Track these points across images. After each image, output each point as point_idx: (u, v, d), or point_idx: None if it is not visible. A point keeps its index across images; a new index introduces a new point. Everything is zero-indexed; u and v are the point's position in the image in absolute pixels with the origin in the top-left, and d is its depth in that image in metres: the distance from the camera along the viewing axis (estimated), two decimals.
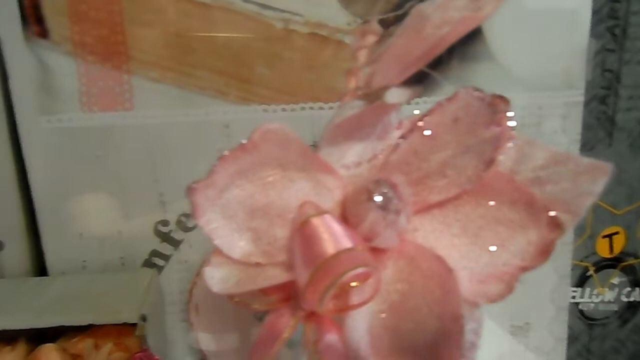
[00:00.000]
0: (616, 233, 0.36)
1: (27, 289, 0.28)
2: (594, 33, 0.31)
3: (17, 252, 0.31)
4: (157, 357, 0.25)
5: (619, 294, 0.37)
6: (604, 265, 0.37)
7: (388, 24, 0.28)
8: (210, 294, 0.18)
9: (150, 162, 0.30)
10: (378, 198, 0.18)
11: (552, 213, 0.17)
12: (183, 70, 0.29)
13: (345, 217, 0.19)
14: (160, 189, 0.30)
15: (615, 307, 0.37)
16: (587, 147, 0.33)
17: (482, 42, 0.30)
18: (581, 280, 0.37)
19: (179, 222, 0.31)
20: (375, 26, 0.22)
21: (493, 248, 0.17)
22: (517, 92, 0.31)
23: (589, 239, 0.36)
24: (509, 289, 0.17)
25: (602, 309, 0.37)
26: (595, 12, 0.31)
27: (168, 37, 0.29)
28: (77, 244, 0.31)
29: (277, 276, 0.18)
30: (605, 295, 0.37)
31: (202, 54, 0.29)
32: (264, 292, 0.18)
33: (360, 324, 0.17)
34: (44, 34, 0.28)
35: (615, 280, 0.37)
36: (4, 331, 0.25)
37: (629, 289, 0.37)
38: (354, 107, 0.19)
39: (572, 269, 0.34)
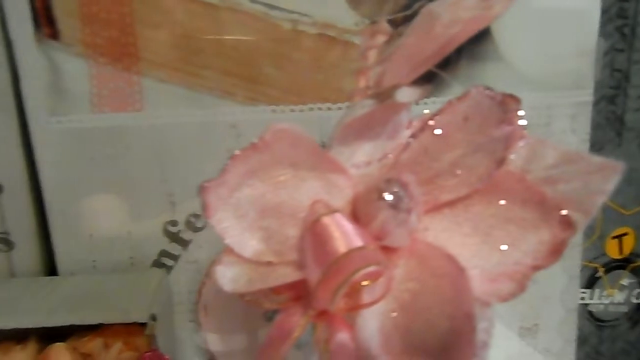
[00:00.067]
0: (625, 234, 0.36)
1: (38, 289, 0.29)
2: (603, 33, 0.31)
3: (28, 252, 0.31)
4: (166, 357, 0.25)
5: (629, 295, 0.37)
6: (613, 266, 0.36)
7: (397, 24, 0.28)
8: (219, 294, 0.18)
9: (159, 163, 0.30)
10: (389, 197, 0.18)
11: (563, 212, 0.17)
12: (192, 71, 0.29)
13: (356, 217, 0.19)
14: (169, 189, 0.31)
15: (625, 309, 0.37)
16: (596, 147, 0.33)
17: (490, 42, 0.30)
18: (590, 282, 0.36)
19: (187, 223, 0.31)
20: (385, 26, 0.22)
21: (504, 247, 0.17)
22: (525, 92, 0.30)
23: (598, 239, 0.36)
24: (521, 288, 0.17)
25: (612, 311, 0.37)
26: (604, 11, 0.31)
27: (177, 38, 0.29)
28: (87, 244, 0.31)
29: (288, 275, 0.18)
30: (615, 296, 0.37)
31: (211, 55, 0.29)
32: (275, 290, 0.18)
33: (371, 323, 0.17)
34: (55, 35, 0.28)
35: (625, 282, 0.37)
36: (15, 330, 0.25)
37: (638, 290, 0.37)
38: (364, 106, 0.19)
39: (582, 270, 0.34)
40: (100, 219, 0.31)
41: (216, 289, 0.19)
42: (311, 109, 0.30)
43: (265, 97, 0.30)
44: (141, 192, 0.30)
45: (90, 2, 0.28)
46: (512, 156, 0.17)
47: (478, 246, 0.18)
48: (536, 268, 0.17)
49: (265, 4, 0.29)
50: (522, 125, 0.17)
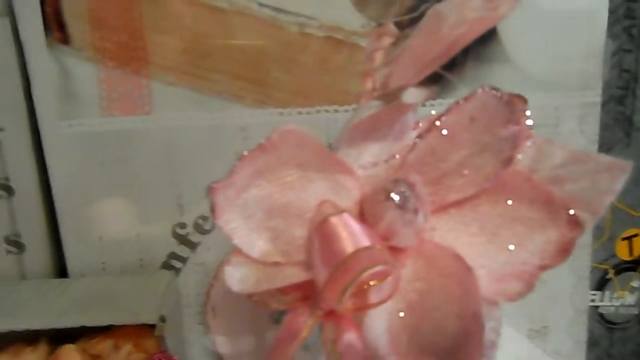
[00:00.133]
0: (635, 235, 0.36)
1: (48, 291, 0.29)
2: (611, 33, 0.31)
3: (39, 255, 0.31)
4: (175, 358, 0.25)
5: None
6: (623, 268, 0.36)
7: (403, 26, 0.28)
8: (227, 296, 0.18)
9: (168, 166, 0.30)
10: (396, 197, 0.18)
11: (571, 211, 0.17)
12: (200, 74, 0.30)
13: (363, 217, 0.19)
14: (178, 192, 0.31)
15: (635, 311, 0.37)
16: (605, 147, 0.33)
17: (497, 43, 0.30)
18: (601, 284, 0.36)
19: (196, 225, 0.31)
20: (391, 28, 0.22)
21: (511, 247, 0.17)
22: (533, 94, 0.30)
23: (608, 241, 0.35)
24: (529, 287, 0.17)
25: (623, 313, 0.37)
26: (611, 12, 0.31)
27: (186, 42, 0.29)
28: (97, 247, 0.31)
29: (295, 275, 0.18)
30: (626, 298, 0.36)
31: (219, 59, 0.29)
32: (283, 291, 0.18)
33: (379, 323, 0.17)
34: (65, 40, 0.29)
35: (636, 284, 0.36)
36: (26, 332, 0.26)
37: None
38: (371, 107, 0.20)
39: (592, 272, 0.34)
40: (109, 221, 0.31)
41: (224, 291, 0.19)
42: (318, 111, 0.30)
43: (273, 100, 0.30)
44: (150, 195, 0.31)
45: (99, 7, 0.28)
46: (519, 156, 0.17)
47: (485, 246, 0.18)
48: (544, 268, 0.17)
49: (273, 8, 0.29)
50: (529, 125, 0.17)
